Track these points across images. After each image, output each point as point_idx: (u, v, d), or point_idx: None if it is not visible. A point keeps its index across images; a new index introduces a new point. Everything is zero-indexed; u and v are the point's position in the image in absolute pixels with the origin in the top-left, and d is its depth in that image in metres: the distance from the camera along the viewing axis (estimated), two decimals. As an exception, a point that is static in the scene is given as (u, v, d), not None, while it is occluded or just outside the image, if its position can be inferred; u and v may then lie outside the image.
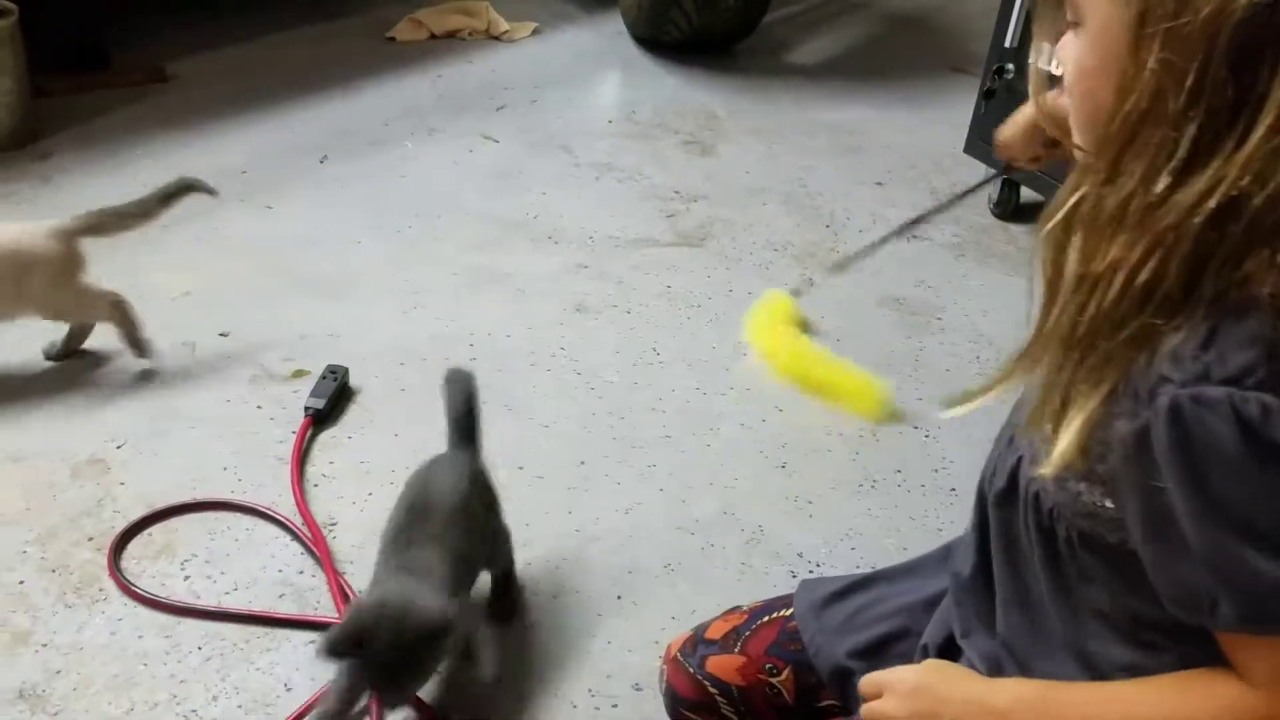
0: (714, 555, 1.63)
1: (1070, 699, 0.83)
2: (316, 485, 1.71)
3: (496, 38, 3.51)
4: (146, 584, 1.50)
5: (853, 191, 2.72)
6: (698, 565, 1.61)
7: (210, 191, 2.02)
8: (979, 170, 2.61)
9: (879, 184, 2.78)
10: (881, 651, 1.15)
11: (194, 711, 1.34)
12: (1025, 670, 0.91)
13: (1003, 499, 0.91)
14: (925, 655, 1.10)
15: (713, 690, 1.20)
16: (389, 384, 1.97)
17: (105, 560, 1.53)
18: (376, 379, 1.96)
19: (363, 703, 1.25)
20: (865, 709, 0.90)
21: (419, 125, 2.91)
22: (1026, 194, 2.63)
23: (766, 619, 1.23)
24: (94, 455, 1.74)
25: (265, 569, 1.55)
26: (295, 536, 1.60)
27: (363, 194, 2.58)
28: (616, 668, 1.42)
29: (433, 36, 3.47)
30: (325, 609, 1.48)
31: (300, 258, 2.32)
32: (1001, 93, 2.54)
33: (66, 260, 1.86)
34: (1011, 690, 0.86)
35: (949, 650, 1.08)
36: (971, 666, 1.00)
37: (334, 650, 1.13)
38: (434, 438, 1.81)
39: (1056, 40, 0.77)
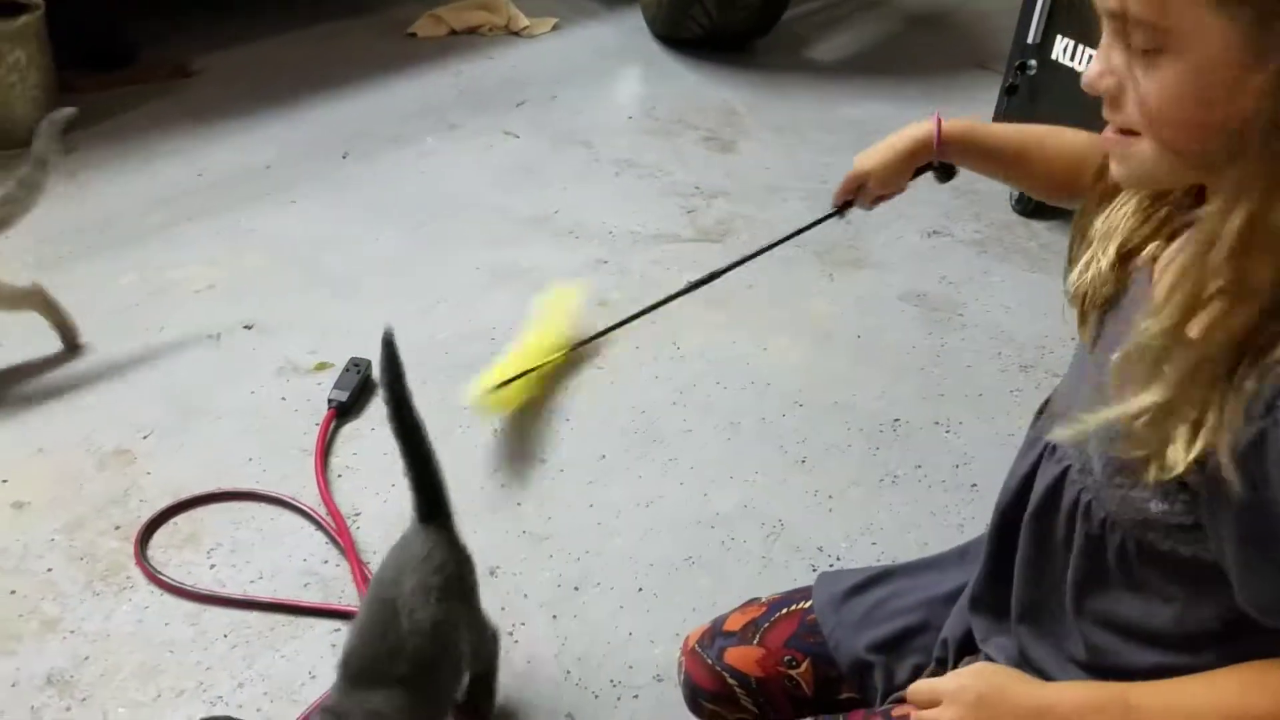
0: (734, 548, 1.64)
1: (1146, 696, 0.82)
2: (340, 476, 1.73)
3: (517, 33, 3.52)
4: (173, 573, 1.52)
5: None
6: (718, 558, 1.62)
7: (69, 121, 1.91)
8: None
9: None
10: (901, 645, 1.16)
11: (219, 698, 1.35)
12: (1041, 676, 0.91)
13: (1041, 510, 0.90)
14: (945, 649, 1.10)
15: (731, 681, 1.21)
16: (411, 377, 1.96)
17: (132, 549, 1.55)
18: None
19: None
20: (919, 718, 0.88)
21: (439, 121, 2.93)
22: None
23: (785, 611, 1.24)
24: (120, 446, 1.77)
25: (290, 558, 1.56)
26: (319, 526, 1.62)
27: (384, 190, 2.60)
28: (638, 659, 1.42)
29: (453, 32, 3.49)
30: (349, 598, 1.50)
31: (322, 252, 2.34)
32: (1024, 89, 2.53)
33: None
34: (1079, 694, 0.84)
35: (969, 644, 1.08)
36: (998, 660, 1.00)
37: None
38: (455, 430, 1.83)
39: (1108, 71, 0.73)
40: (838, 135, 2.98)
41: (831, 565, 1.60)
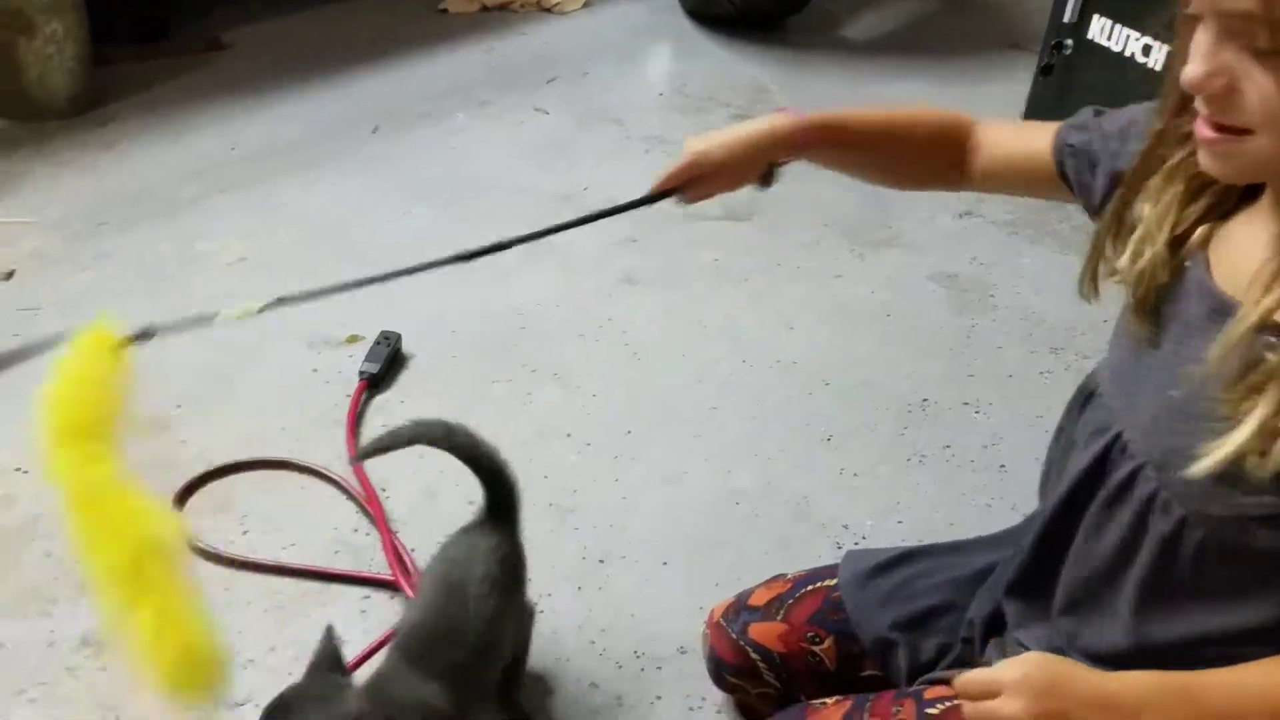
0: (758, 525, 1.64)
1: (1209, 684, 0.82)
2: (369, 448, 1.75)
3: (548, 9, 3.52)
4: (206, 539, 1.55)
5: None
6: (742, 535, 1.62)
7: None
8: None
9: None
10: (925, 624, 1.16)
11: (252, 661, 1.38)
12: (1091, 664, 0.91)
13: (1107, 506, 0.90)
14: (971, 629, 1.11)
15: (754, 656, 1.22)
16: (440, 351, 2.00)
17: (167, 515, 1.58)
18: (428, 346, 1.99)
19: None
20: (977, 709, 0.86)
21: (470, 98, 2.93)
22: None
23: (810, 588, 1.25)
24: (155, 415, 1.79)
25: (321, 527, 1.59)
26: (350, 496, 1.64)
27: (413, 166, 2.61)
28: (662, 631, 1.44)
29: (484, 8, 3.49)
30: (378, 566, 1.52)
31: (352, 227, 2.36)
32: (1059, 69, 2.50)
33: None
34: (1143, 683, 0.84)
35: (996, 626, 1.09)
36: (1026, 648, 1.00)
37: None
38: (483, 404, 1.84)
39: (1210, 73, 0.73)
40: (869, 114, 2.96)
41: (857, 544, 1.60)
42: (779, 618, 1.22)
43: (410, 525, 1.59)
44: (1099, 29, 2.42)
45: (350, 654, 1.36)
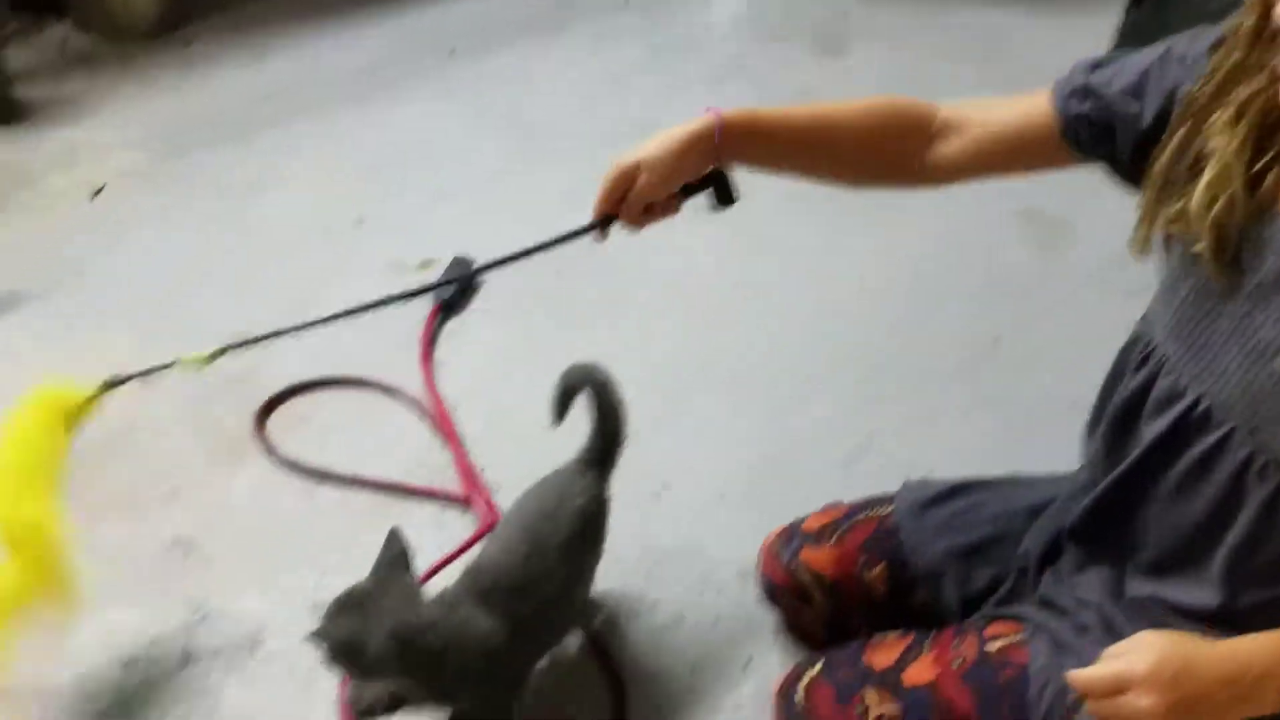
0: (819, 459, 1.65)
1: None
2: (443, 369, 1.79)
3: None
4: (288, 451, 1.61)
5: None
6: (802, 467, 1.64)
7: None
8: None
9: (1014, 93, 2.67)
10: (979, 554, 1.17)
11: (329, 568, 1.44)
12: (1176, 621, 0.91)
13: (1197, 469, 0.89)
14: (1026, 560, 1.11)
15: (805, 580, 1.24)
16: (511, 277, 2.01)
17: (252, 427, 1.65)
18: (500, 272, 2.01)
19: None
20: (1106, 707, 0.84)
21: (546, 23, 2.92)
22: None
23: (864, 515, 1.26)
24: (239, 333, 1.85)
25: (397, 444, 1.64)
26: (424, 415, 1.69)
27: (489, 92, 2.62)
28: (720, 556, 1.47)
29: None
30: (450, 483, 1.57)
31: (427, 152, 2.39)
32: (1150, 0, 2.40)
33: None
34: (1263, 649, 0.83)
35: (1050, 557, 1.09)
36: (1086, 588, 1.00)
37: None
38: (551, 332, 1.87)
39: None
40: (952, 42, 2.88)
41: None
42: (832, 543, 1.24)
43: (482, 444, 1.64)
44: (1197, -44, 2.31)
45: (422, 566, 1.42)
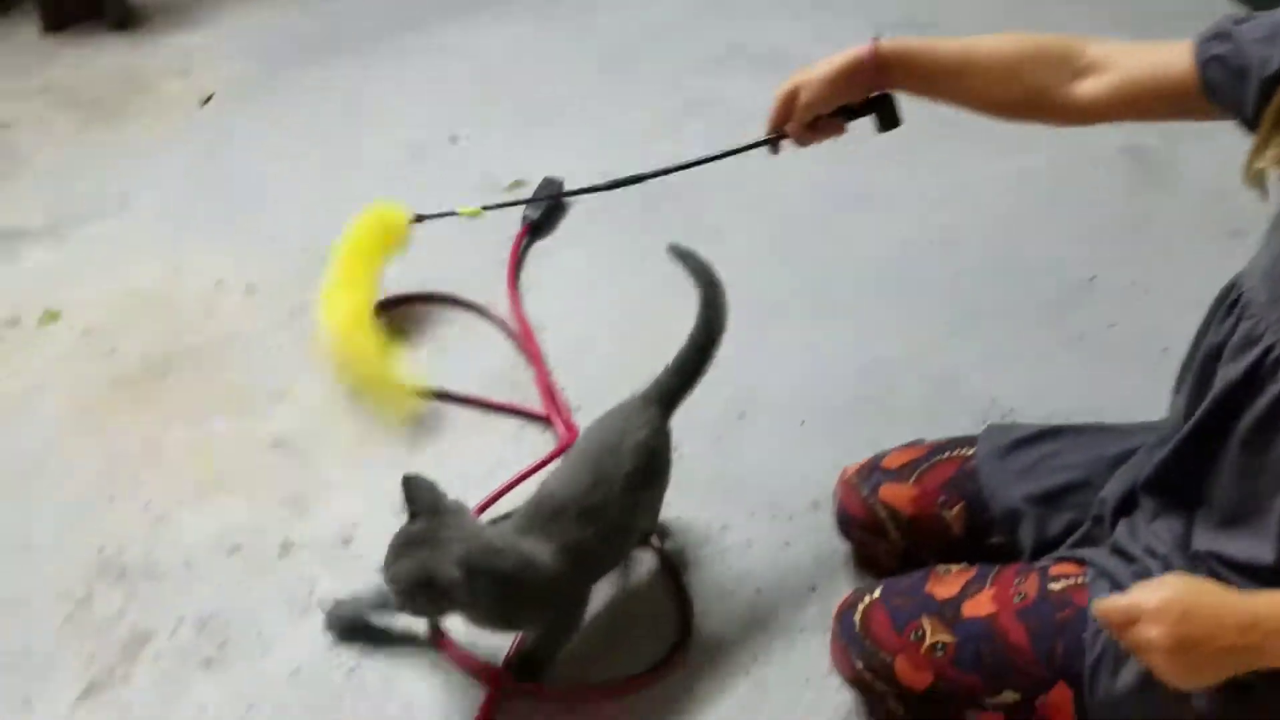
0: (903, 394, 1.65)
1: None
2: (529, 290, 1.83)
3: None
4: (380, 362, 1.67)
5: (1102, 29, 2.50)
6: (887, 401, 1.63)
7: None
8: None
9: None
10: (1057, 499, 1.17)
11: (418, 473, 1.51)
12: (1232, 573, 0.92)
13: (1268, 419, 0.89)
14: (1103, 508, 1.11)
15: (882, 515, 1.26)
16: (599, 201, 2.02)
17: (347, 336, 1.71)
18: (587, 196, 2.04)
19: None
20: (1120, 637, 0.88)
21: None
22: None
23: (947, 455, 1.27)
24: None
25: (481, 360, 1.69)
26: (509, 334, 1.73)
27: (589, 11, 2.60)
28: (795, 485, 1.48)
29: None
30: (532, 400, 1.62)
31: (525, 71, 2.40)
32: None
33: None
34: None
35: (1126, 506, 1.09)
36: (1156, 539, 1.00)
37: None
38: (638, 256, 1.88)
39: None
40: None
41: (1003, 418, 1.59)
42: (911, 481, 1.25)
43: (564, 365, 1.68)
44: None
45: (504, 476, 1.48)
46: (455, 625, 1.27)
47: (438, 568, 1.08)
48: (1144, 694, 0.96)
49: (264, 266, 1.88)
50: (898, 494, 1.25)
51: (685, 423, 1.58)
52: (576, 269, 1.89)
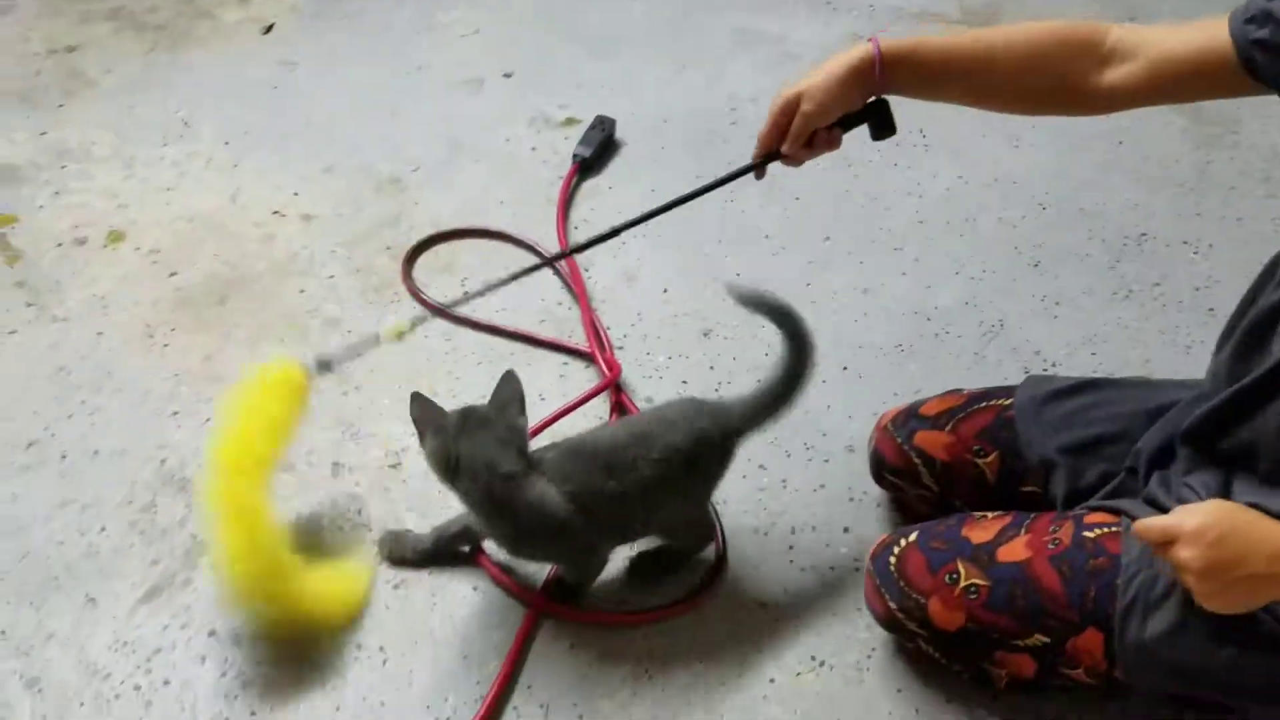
0: (949, 342, 1.66)
1: None
2: (578, 228, 1.85)
3: None
4: (432, 294, 1.71)
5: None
6: (930, 350, 1.64)
7: None
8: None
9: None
10: (1092, 450, 1.18)
11: (466, 402, 1.55)
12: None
13: None
14: (1137, 460, 1.12)
15: (916, 461, 1.28)
16: (651, 140, 2.05)
17: (399, 268, 1.75)
18: (641, 135, 2.05)
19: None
20: (1159, 555, 0.90)
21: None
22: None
23: (983, 405, 1.28)
24: (393, 175, 1.96)
25: (530, 297, 1.72)
26: (556, 272, 1.76)
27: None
28: (832, 428, 1.51)
29: None
30: (578, 337, 1.65)
31: (577, 8, 2.39)
32: None
33: None
34: None
35: (1161, 460, 1.10)
36: (1191, 492, 1.02)
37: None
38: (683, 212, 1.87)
39: None
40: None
41: (1045, 370, 1.60)
42: (947, 429, 1.27)
43: (608, 304, 1.71)
44: None
45: (547, 410, 1.52)
46: (494, 550, 1.32)
47: (462, 458, 1.14)
48: (1174, 640, 0.98)
49: (320, 196, 1.92)
50: (933, 441, 1.27)
51: (729, 362, 1.61)
52: (625, 208, 1.89)
